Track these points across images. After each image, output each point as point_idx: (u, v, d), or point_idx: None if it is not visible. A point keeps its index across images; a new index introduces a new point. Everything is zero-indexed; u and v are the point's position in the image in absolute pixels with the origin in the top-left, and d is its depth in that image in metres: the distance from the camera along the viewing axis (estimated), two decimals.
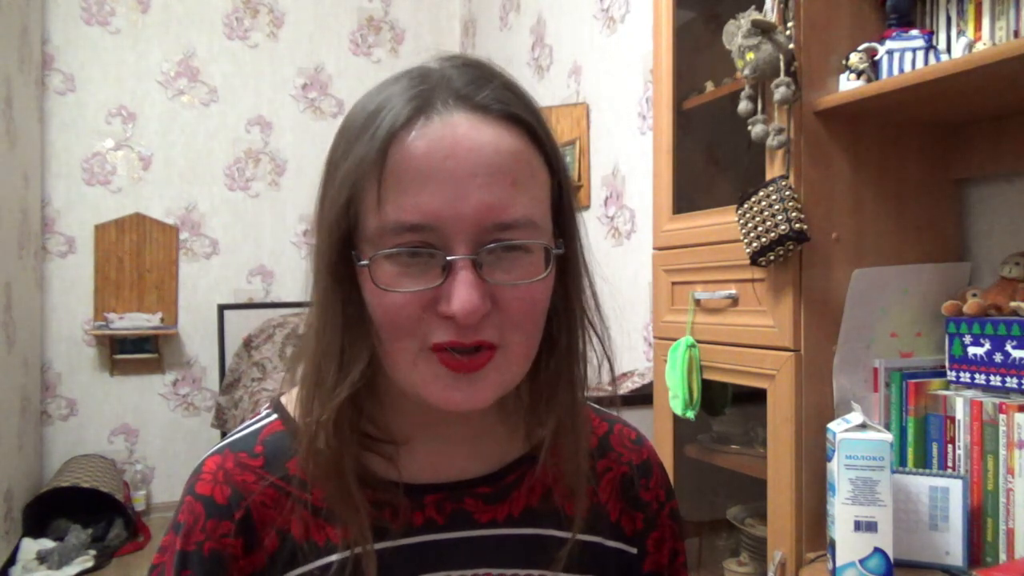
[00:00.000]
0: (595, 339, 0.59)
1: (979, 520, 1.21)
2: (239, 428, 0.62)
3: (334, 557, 0.55)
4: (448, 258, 0.49)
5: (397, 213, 0.49)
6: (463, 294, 0.48)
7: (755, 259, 1.36)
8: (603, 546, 0.63)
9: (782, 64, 1.31)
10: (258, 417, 0.62)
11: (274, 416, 0.61)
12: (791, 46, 1.33)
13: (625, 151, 2.74)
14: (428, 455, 0.59)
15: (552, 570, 0.59)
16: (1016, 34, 1.18)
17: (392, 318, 0.51)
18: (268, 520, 0.56)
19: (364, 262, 0.51)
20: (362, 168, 0.50)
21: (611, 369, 0.60)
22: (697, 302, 1.60)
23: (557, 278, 0.56)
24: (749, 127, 1.37)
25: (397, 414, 0.58)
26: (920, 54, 1.27)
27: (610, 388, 0.61)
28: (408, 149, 0.49)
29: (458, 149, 0.49)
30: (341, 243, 0.52)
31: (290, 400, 0.60)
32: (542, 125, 0.54)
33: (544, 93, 3.31)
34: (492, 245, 0.50)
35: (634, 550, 0.65)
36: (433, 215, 0.49)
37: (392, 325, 0.51)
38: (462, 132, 0.50)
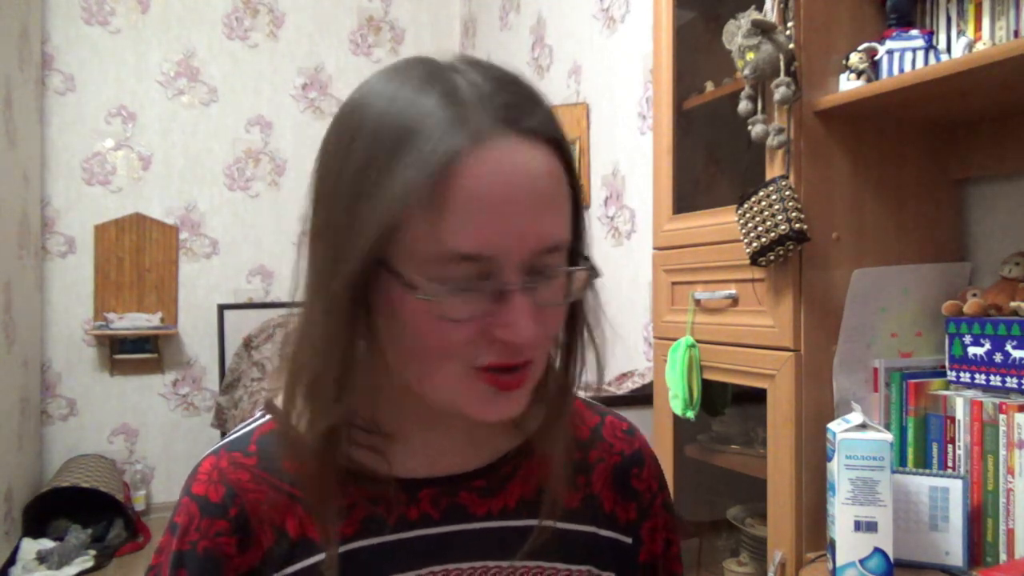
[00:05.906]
0: (590, 337, 0.60)
1: (979, 520, 1.21)
2: (234, 430, 0.62)
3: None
4: (506, 286, 0.49)
5: (455, 242, 0.48)
6: (523, 322, 0.49)
7: (755, 259, 1.36)
8: (598, 536, 0.64)
9: (782, 64, 1.31)
10: (252, 419, 0.62)
11: (268, 417, 0.61)
12: (791, 46, 1.33)
13: (625, 151, 2.74)
14: (422, 449, 0.60)
15: (547, 561, 0.60)
16: (1016, 34, 1.18)
17: (443, 343, 0.50)
18: (263, 517, 0.56)
19: (415, 288, 0.49)
20: (413, 193, 0.48)
21: (599, 369, 0.61)
22: (697, 302, 1.60)
23: None
24: (749, 127, 1.37)
25: (392, 408, 0.58)
26: (920, 54, 1.27)
27: (608, 387, 0.62)
28: (466, 178, 0.48)
29: (515, 178, 0.49)
30: (370, 262, 0.50)
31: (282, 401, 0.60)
32: (567, 140, 0.55)
33: (544, 93, 3.31)
34: (542, 270, 0.51)
35: (629, 539, 0.66)
36: (492, 245, 0.48)
37: (440, 349, 0.51)
38: (520, 161, 0.50)
